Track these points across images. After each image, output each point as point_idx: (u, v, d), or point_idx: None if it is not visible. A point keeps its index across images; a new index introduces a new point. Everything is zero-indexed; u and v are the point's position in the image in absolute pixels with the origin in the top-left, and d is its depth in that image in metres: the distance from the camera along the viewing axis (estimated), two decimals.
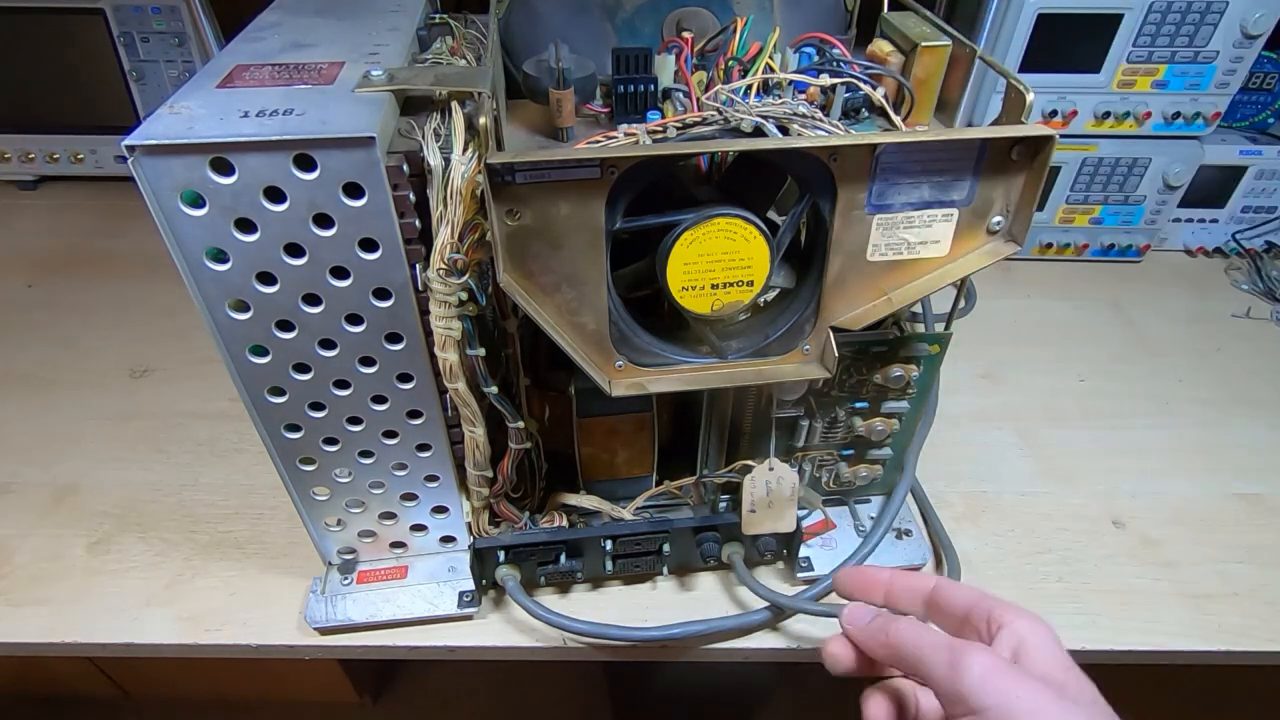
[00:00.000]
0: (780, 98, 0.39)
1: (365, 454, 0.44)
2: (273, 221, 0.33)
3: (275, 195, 0.32)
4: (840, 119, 0.40)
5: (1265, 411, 0.67)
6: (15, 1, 0.83)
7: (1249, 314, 0.79)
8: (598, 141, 0.37)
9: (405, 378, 0.40)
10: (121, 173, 0.92)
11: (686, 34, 0.42)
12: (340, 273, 0.35)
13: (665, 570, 0.51)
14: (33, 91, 0.89)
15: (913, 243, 0.38)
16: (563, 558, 0.49)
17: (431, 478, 0.46)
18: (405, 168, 0.34)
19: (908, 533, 0.54)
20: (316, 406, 0.41)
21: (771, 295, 0.43)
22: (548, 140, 0.39)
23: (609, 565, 0.49)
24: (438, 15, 0.49)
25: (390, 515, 0.48)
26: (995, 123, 0.38)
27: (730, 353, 0.41)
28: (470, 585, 0.49)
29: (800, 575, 0.51)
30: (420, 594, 0.49)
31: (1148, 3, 0.70)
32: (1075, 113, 0.77)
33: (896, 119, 0.40)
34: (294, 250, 0.34)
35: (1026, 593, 0.52)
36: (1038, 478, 0.61)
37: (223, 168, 0.32)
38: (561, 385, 0.46)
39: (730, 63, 0.41)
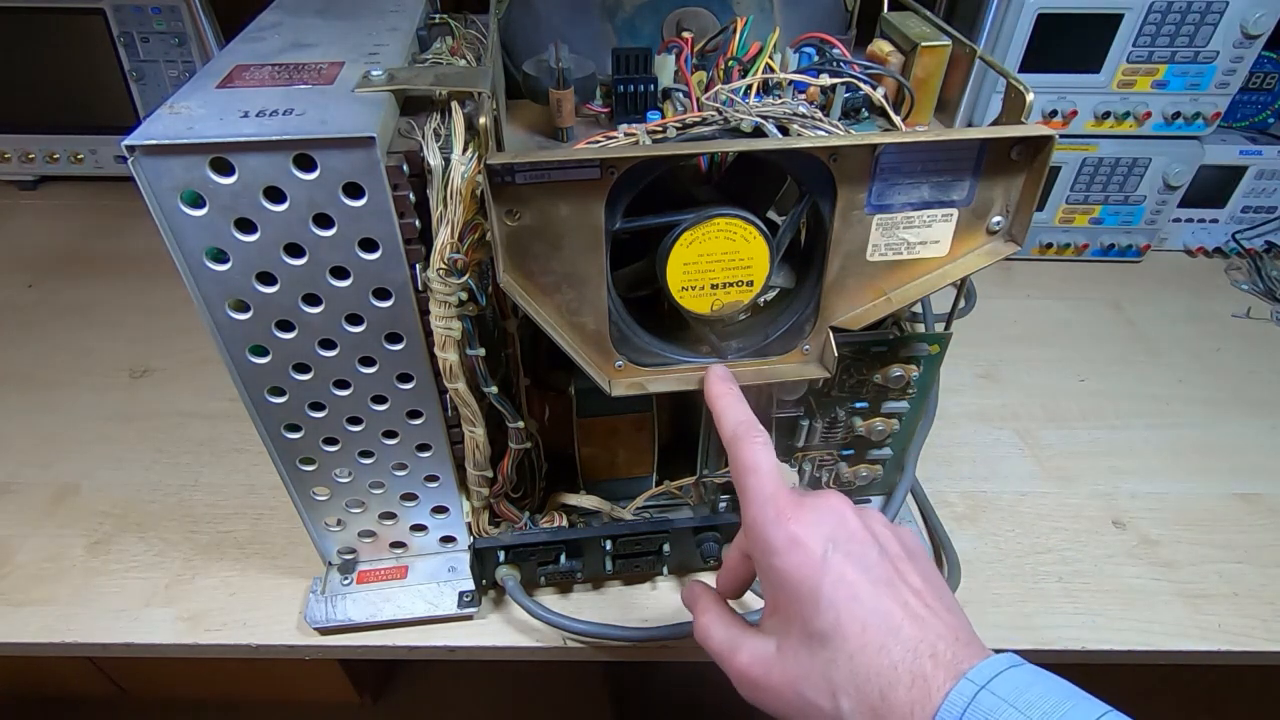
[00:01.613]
0: (780, 98, 0.39)
1: (365, 454, 0.44)
2: (273, 221, 0.33)
3: (275, 195, 0.32)
4: (840, 119, 0.40)
5: (1265, 411, 0.67)
6: (15, 1, 0.83)
7: (1249, 314, 0.79)
8: (598, 141, 0.37)
9: (405, 378, 0.40)
10: (121, 173, 0.92)
11: (686, 34, 0.42)
12: (340, 273, 0.35)
13: (665, 570, 0.51)
14: (33, 91, 0.89)
15: (912, 243, 0.38)
16: (563, 558, 0.49)
17: (431, 478, 0.46)
18: (405, 168, 0.34)
19: None
20: (316, 406, 0.41)
21: (771, 295, 0.43)
22: (548, 140, 0.39)
23: (609, 565, 0.49)
24: (438, 15, 0.49)
25: (390, 515, 0.48)
26: (995, 123, 0.38)
27: (730, 353, 0.41)
28: (470, 585, 0.49)
29: None
30: (420, 594, 0.49)
31: (1148, 3, 0.70)
32: (1075, 113, 0.77)
33: (896, 119, 0.40)
34: (294, 250, 0.34)
35: (1026, 592, 0.52)
36: (1037, 478, 0.61)
37: (223, 168, 0.32)
38: (561, 385, 0.46)
39: (730, 63, 0.41)
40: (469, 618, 0.50)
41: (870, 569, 0.30)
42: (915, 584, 0.31)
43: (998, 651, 0.29)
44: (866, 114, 0.41)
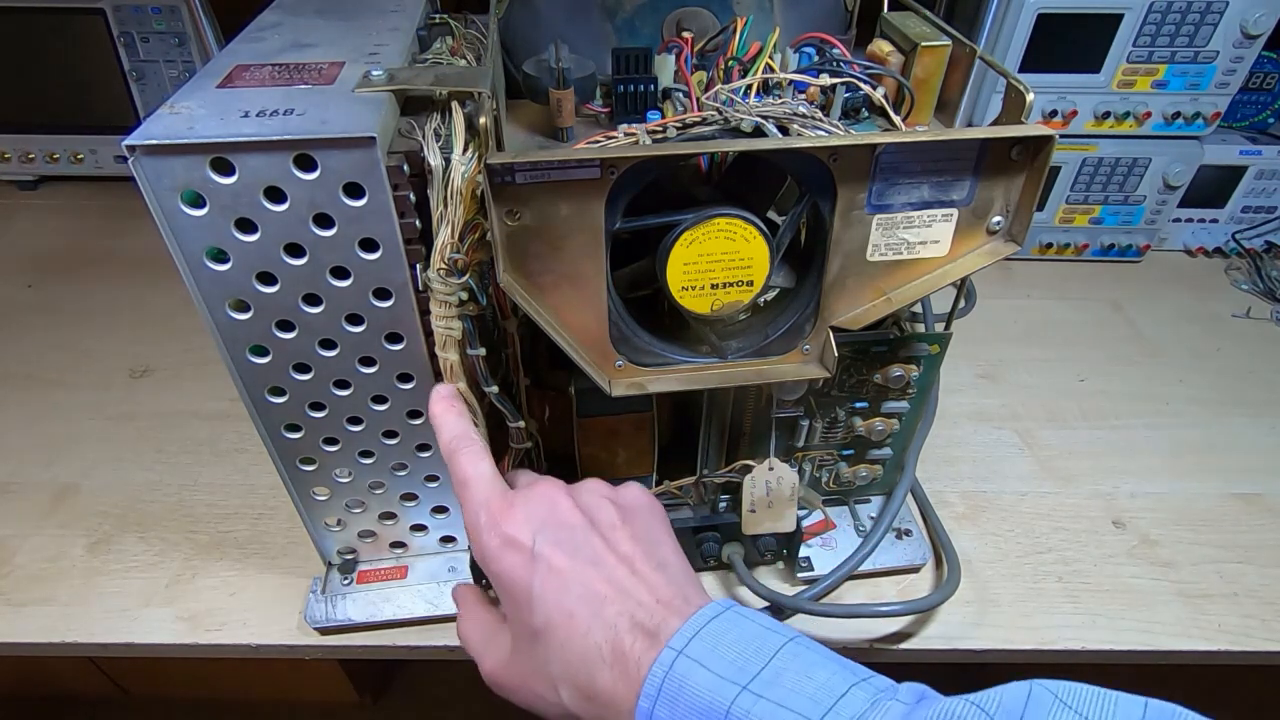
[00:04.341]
0: (780, 98, 0.39)
1: (365, 454, 0.44)
2: (273, 221, 0.33)
3: (275, 195, 0.32)
4: (840, 119, 0.40)
5: (1265, 412, 0.67)
6: (15, 1, 0.83)
7: (1249, 314, 0.79)
8: (598, 141, 0.37)
9: (405, 378, 0.40)
10: (121, 173, 0.92)
11: (686, 34, 0.42)
12: (340, 273, 0.35)
13: None
14: (33, 91, 0.89)
15: (912, 243, 0.38)
16: None
17: (431, 478, 0.46)
18: (405, 168, 0.34)
19: (908, 532, 0.54)
20: (317, 406, 0.41)
21: (771, 295, 0.43)
22: (548, 140, 0.39)
23: None
24: (438, 15, 0.49)
25: (390, 515, 0.48)
26: (995, 123, 0.38)
27: (730, 352, 0.41)
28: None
29: (800, 575, 0.51)
30: (420, 594, 0.49)
31: (1148, 3, 0.70)
32: (1075, 113, 0.77)
33: (896, 119, 0.40)
34: (294, 250, 0.34)
35: (1026, 592, 0.52)
36: (1038, 478, 0.61)
37: (223, 168, 0.32)
38: (561, 385, 0.46)
39: (730, 63, 0.41)
40: None
41: (579, 550, 0.30)
42: (625, 550, 0.30)
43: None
44: (866, 114, 0.41)
